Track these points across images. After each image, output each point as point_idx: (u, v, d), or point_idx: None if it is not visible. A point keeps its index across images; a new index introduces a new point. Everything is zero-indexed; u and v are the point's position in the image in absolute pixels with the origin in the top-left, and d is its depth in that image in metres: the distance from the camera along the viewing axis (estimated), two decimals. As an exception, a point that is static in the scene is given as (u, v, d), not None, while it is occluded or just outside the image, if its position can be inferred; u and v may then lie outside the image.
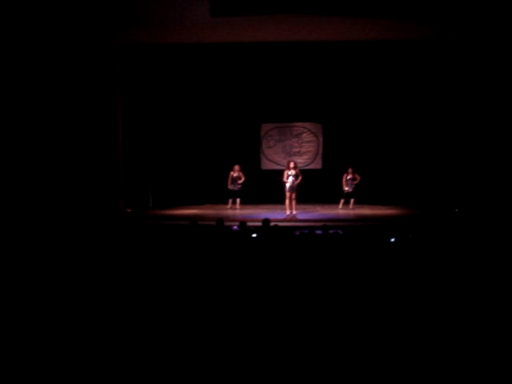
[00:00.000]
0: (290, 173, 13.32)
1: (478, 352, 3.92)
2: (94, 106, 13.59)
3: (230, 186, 15.14)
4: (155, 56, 14.89)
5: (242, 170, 15.17)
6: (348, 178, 14.98)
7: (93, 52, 13.29)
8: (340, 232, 8.04)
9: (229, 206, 15.22)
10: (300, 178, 13.42)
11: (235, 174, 15.09)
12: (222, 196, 15.51)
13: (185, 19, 12.41)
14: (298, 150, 17.27)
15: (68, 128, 13.16)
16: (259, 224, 8.81)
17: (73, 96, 13.23)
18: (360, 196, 15.22)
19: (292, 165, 13.45)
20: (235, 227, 9.01)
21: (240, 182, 15.05)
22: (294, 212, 13.29)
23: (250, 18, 12.37)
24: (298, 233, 7.96)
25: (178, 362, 3.87)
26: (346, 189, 14.99)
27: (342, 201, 15.11)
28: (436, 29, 12.71)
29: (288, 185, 13.30)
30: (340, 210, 14.82)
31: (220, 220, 8.75)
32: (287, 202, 13.34)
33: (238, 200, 15.18)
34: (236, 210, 14.86)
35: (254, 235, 7.89)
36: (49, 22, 12.13)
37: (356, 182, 14.98)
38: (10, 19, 11.69)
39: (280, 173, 13.82)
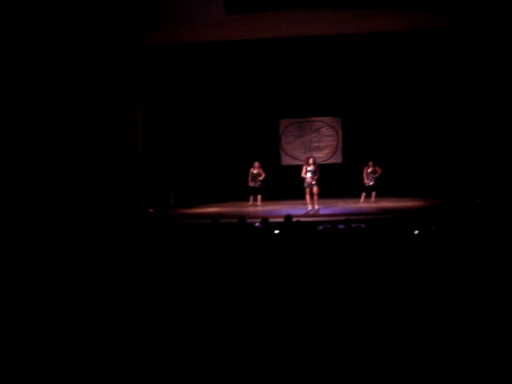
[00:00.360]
0: (309, 168, 13.28)
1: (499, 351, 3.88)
2: (113, 107, 13.71)
3: (251, 183, 15.14)
4: (173, 56, 14.93)
5: (261, 166, 15.17)
6: (369, 171, 14.93)
7: (111, 54, 13.40)
8: (363, 226, 8.01)
9: (250, 203, 15.22)
10: (318, 173, 13.33)
11: (255, 171, 15.09)
12: (243, 193, 15.52)
13: (200, 18, 12.41)
14: (317, 144, 17.25)
15: (89, 130, 13.30)
16: (281, 220, 8.80)
17: (92, 99, 13.36)
18: (382, 188, 15.14)
19: (311, 161, 13.41)
20: (257, 224, 9.00)
21: (260, 178, 15.05)
22: (316, 207, 13.25)
23: (266, 15, 12.33)
24: (320, 228, 7.95)
25: (200, 360, 3.89)
26: (367, 182, 14.94)
27: (364, 194, 15.06)
28: (456, 19, 12.57)
29: (306, 180, 13.26)
30: (362, 204, 14.77)
31: (242, 217, 8.76)
32: (308, 197, 13.30)
33: (259, 196, 15.18)
34: (257, 207, 14.87)
35: (277, 231, 7.88)
36: (66, 27, 12.23)
37: (377, 175, 14.91)
38: (29, 25, 11.81)
39: (300, 168, 13.77)
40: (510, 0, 11.81)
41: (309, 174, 13.23)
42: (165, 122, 15.35)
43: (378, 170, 14.93)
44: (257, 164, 15.15)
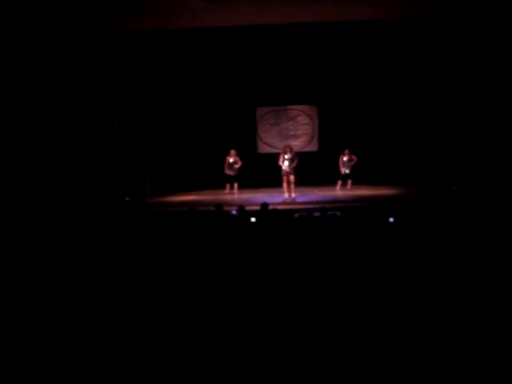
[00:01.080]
0: (286, 157, 13.32)
1: (480, 340, 3.94)
2: (89, 94, 13.55)
3: (227, 171, 15.12)
4: (148, 43, 14.77)
5: (238, 154, 15.16)
6: (345, 159, 15.00)
7: (86, 40, 13.22)
8: (338, 213, 8.07)
9: (226, 191, 15.21)
10: (296, 161, 13.40)
11: (231, 159, 15.07)
12: (220, 181, 15.49)
13: (177, 4, 12.33)
14: (294, 133, 17.28)
15: (63, 117, 13.14)
16: (258, 208, 8.83)
17: (67, 85, 13.19)
18: (357, 176, 15.24)
19: (288, 149, 13.46)
20: (234, 212, 9.02)
21: (237, 166, 15.04)
22: (293, 195, 13.30)
23: (242, 2, 12.30)
24: (297, 215, 7.99)
25: (180, 352, 3.90)
26: (343, 170, 15.03)
27: (340, 182, 15.14)
28: (433, 7, 12.66)
29: (283, 168, 13.31)
30: (338, 192, 14.85)
31: (219, 205, 8.77)
32: (285, 185, 13.36)
33: (235, 185, 15.17)
34: (234, 195, 14.88)
35: (253, 219, 7.91)
36: (42, 10, 12.05)
37: (353, 163, 14.99)
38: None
39: (277, 156, 13.78)
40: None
41: (286, 163, 13.28)
42: (141, 110, 15.22)
43: (354, 158, 15.01)
44: (233, 152, 15.13)
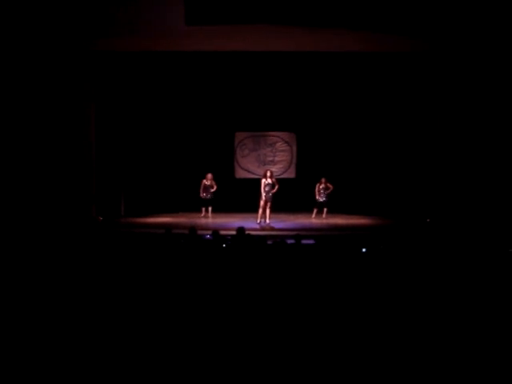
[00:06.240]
0: (266, 182, 13.32)
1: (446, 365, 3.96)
2: (67, 112, 13.48)
3: (202, 195, 15.12)
4: (130, 63, 14.80)
5: (214, 178, 15.17)
6: (321, 187, 15.08)
7: (66, 59, 13.18)
8: (312, 241, 8.07)
9: (202, 215, 15.18)
10: (277, 186, 13.45)
11: (208, 183, 15.09)
12: (195, 204, 15.46)
13: (160, 27, 12.37)
14: (272, 159, 17.35)
15: (40, 134, 13.05)
16: (232, 233, 8.79)
17: (45, 102, 13.12)
18: (333, 205, 15.31)
19: (269, 173, 13.47)
20: (208, 236, 8.97)
21: (212, 190, 15.05)
22: (268, 221, 13.30)
23: (225, 28, 12.38)
24: (270, 242, 7.97)
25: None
26: (319, 198, 15.09)
27: (315, 210, 15.18)
28: (412, 42, 12.88)
29: (264, 194, 13.27)
30: (313, 220, 14.89)
31: (192, 229, 8.71)
32: (260, 211, 13.34)
33: (209, 208, 15.18)
34: (208, 219, 14.85)
35: (227, 244, 7.87)
36: (23, 29, 12.02)
37: (329, 192, 15.08)
38: None
39: (254, 181, 13.78)
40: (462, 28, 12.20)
41: (267, 188, 13.27)
42: (119, 130, 15.18)
43: (330, 186, 15.10)
44: (209, 176, 15.14)
